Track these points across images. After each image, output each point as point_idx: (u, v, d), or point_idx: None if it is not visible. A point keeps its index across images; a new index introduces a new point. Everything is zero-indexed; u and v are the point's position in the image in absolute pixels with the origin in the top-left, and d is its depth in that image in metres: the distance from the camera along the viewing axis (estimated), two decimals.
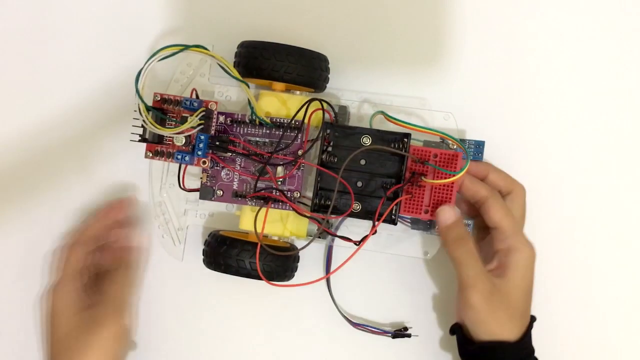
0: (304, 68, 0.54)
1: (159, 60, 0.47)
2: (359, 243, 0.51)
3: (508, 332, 0.51)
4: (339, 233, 0.54)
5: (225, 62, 0.50)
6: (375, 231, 0.51)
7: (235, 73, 0.51)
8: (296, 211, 0.53)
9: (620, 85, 0.58)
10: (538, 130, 0.58)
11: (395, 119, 0.53)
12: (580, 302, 0.58)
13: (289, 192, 0.54)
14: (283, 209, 0.54)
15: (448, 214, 0.52)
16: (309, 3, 0.59)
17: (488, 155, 0.56)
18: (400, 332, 0.57)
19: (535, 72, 0.58)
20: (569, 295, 0.58)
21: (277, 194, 0.53)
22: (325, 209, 0.53)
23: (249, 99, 0.51)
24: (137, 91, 0.48)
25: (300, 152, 0.53)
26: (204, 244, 0.56)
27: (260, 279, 0.53)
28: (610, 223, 0.58)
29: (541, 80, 0.58)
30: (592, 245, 0.58)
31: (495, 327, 0.50)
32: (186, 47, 0.48)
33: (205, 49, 0.49)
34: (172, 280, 0.59)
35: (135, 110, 0.50)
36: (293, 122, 0.53)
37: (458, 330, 0.53)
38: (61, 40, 0.60)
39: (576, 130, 0.58)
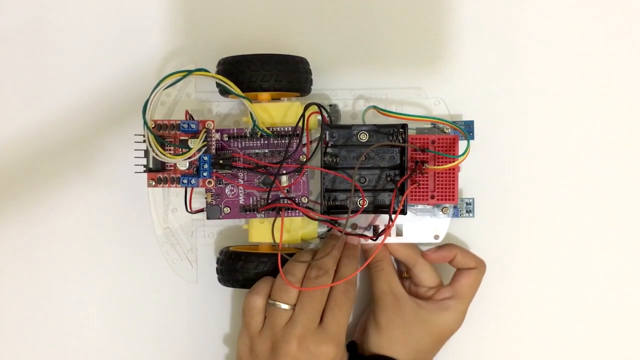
0: (280, 74, 0.53)
1: (164, 89, 0.46)
2: (376, 238, 0.52)
3: (397, 352, 0.53)
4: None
5: (227, 81, 0.49)
6: (394, 224, 0.52)
7: (238, 91, 0.50)
8: (309, 217, 0.53)
9: (610, 73, 0.59)
10: (529, 111, 0.59)
11: (387, 111, 0.54)
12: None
13: (296, 199, 0.54)
14: (294, 216, 0.54)
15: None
16: (290, 8, 0.59)
17: (478, 135, 0.57)
18: None
19: (529, 56, 0.59)
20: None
21: (288, 202, 0.54)
22: (334, 209, 0.54)
23: (250, 113, 0.51)
24: (145, 123, 0.46)
25: (301, 158, 0.53)
26: (217, 263, 0.56)
27: None
28: (606, 211, 0.59)
29: (534, 61, 0.59)
30: (586, 230, 0.59)
31: (386, 344, 0.53)
32: (189, 72, 0.48)
33: (207, 71, 0.49)
34: (189, 304, 0.60)
35: (136, 141, 0.49)
36: (289, 129, 0.53)
37: (352, 347, 0.55)
38: (62, 40, 0.60)
39: (569, 120, 0.59)
